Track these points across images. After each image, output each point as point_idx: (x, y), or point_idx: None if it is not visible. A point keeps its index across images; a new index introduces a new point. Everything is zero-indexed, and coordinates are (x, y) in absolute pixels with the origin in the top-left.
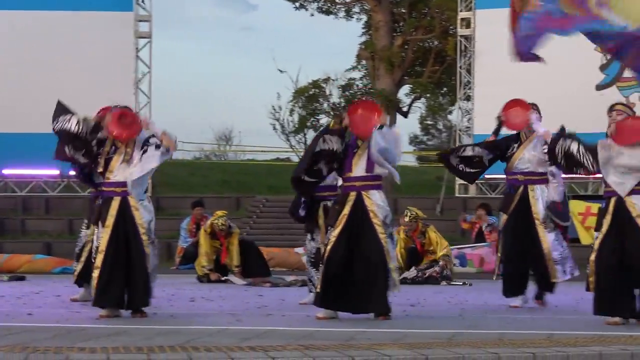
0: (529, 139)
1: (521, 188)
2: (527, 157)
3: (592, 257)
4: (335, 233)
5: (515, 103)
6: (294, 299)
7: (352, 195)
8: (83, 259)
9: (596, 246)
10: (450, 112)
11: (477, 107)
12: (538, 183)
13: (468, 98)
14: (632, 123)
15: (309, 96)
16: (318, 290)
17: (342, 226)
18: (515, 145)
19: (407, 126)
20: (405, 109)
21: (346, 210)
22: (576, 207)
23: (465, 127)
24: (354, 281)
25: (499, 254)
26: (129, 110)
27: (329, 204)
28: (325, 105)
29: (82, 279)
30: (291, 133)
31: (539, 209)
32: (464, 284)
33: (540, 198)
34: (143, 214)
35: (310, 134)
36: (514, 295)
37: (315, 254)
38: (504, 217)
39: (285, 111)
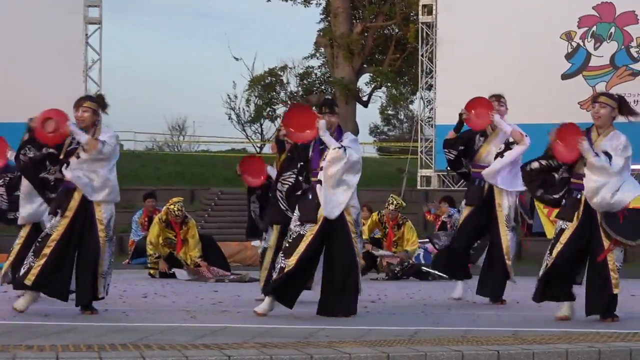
0: (495, 132)
1: (487, 183)
2: (495, 150)
3: (558, 248)
4: (313, 230)
5: (478, 102)
6: (250, 294)
7: None
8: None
9: (563, 239)
10: (412, 102)
11: (439, 96)
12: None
13: (430, 87)
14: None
15: (266, 85)
16: (277, 280)
17: (320, 225)
18: (482, 138)
19: (368, 116)
20: (365, 99)
21: (321, 209)
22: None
23: (427, 117)
24: (307, 279)
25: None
26: (55, 113)
27: None
28: (282, 94)
29: None
30: (247, 123)
31: (504, 205)
32: (435, 277)
33: (506, 195)
34: (104, 209)
35: (267, 124)
36: (456, 278)
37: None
38: (466, 209)
39: (241, 100)
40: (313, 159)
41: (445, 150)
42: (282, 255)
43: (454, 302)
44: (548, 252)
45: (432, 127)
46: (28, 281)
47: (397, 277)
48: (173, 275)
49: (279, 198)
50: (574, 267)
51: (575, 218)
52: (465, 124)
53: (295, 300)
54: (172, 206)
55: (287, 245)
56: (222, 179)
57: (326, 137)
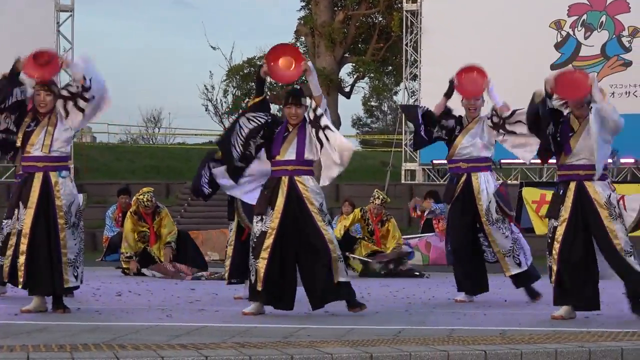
0: (474, 121)
1: (464, 177)
2: (471, 142)
3: (556, 248)
4: (274, 225)
5: (471, 69)
6: (228, 292)
7: (284, 180)
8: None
9: (558, 236)
10: (396, 93)
11: (424, 87)
12: (482, 170)
13: (414, 78)
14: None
15: (244, 75)
16: (258, 287)
17: (281, 217)
18: (458, 127)
19: (350, 108)
20: (347, 90)
21: (280, 198)
22: (530, 194)
23: None
24: (292, 277)
25: (449, 247)
26: (47, 50)
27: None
28: None
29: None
30: (225, 114)
31: (483, 200)
32: (422, 275)
33: (485, 188)
34: (62, 193)
35: None
36: (472, 293)
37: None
38: (448, 208)
39: (218, 91)
40: (275, 143)
41: (420, 123)
42: (252, 257)
43: (442, 301)
44: (547, 253)
45: None
46: (19, 285)
47: (393, 274)
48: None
49: (234, 142)
50: (584, 263)
51: (564, 211)
52: (456, 90)
53: (292, 300)
54: (141, 196)
55: (253, 245)
56: None
57: (314, 82)
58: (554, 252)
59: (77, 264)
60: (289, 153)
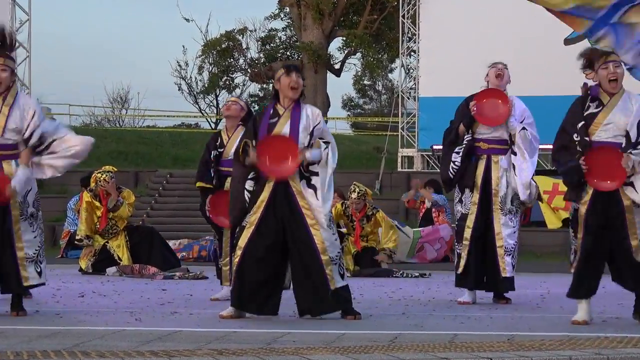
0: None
1: (484, 159)
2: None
3: (580, 233)
4: (251, 220)
5: (492, 93)
6: (204, 293)
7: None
8: None
9: (581, 219)
10: (391, 71)
11: (423, 64)
12: (503, 153)
13: (412, 53)
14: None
15: (222, 50)
16: (234, 285)
17: (261, 214)
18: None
19: (340, 87)
20: (337, 67)
21: (265, 194)
22: (541, 184)
23: (409, 88)
24: (276, 278)
25: (456, 247)
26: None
27: None
28: (241, 61)
29: None
30: (200, 94)
31: (501, 186)
32: (422, 275)
33: (504, 174)
34: (15, 181)
35: (224, 95)
36: (475, 289)
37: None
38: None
39: (193, 68)
40: (260, 131)
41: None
42: (233, 253)
43: (443, 303)
44: (572, 236)
45: (414, 99)
46: None
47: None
48: (103, 270)
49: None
50: (604, 252)
51: (586, 194)
52: (476, 119)
53: (275, 304)
54: (100, 174)
55: (235, 241)
56: (171, 159)
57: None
58: (578, 237)
59: (40, 259)
60: None
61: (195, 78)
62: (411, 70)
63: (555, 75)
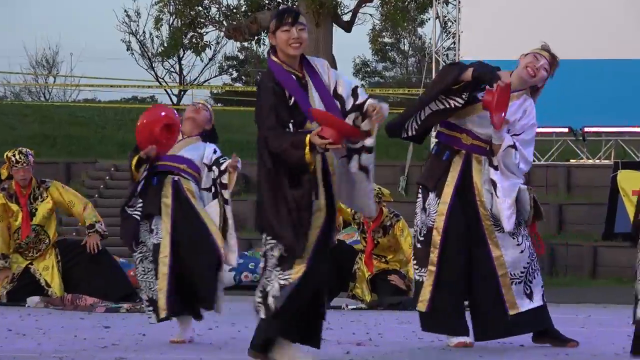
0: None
1: (461, 156)
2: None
3: None
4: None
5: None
6: (161, 333)
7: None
8: None
9: None
10: (422, 24)
11: (465, 14)
12: (488, 155)
13: (450, 0)
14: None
15: None
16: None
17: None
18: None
19: (351, 46)
20: (346, 18)
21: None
22: (629, 181)
23: (447, 48)
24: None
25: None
26: None
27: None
28: (213, 10)
29: None
30: (157, 56)
31: (485, 194)
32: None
33: (488, 180)
34: None
35: (190, 59)
36: (453, 334)
37: (153, 252)
38: (431, 199)
39: (147, 21)
40: (300, 103)
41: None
42: (278, 268)
43: (493, 349)
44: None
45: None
46: None
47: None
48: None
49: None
50: None
51: None
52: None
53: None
54: (11, 155)
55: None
56: (116, 146)
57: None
58: None
59: None
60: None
61: (151, 34)
62: (449, 24)
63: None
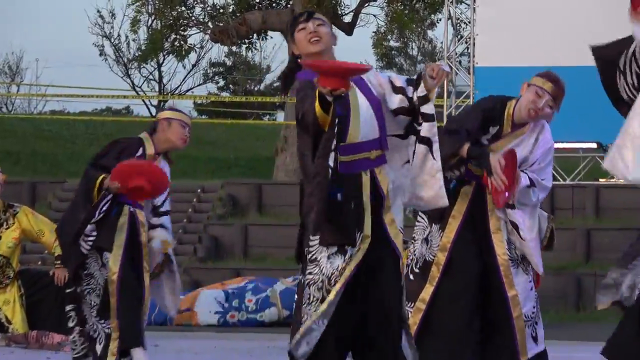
0: (519, 132)
1: (472, 186)
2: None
3: None
4: (357, 259)
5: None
6: None
7: (365, 179)
8: None
9: None
10: (433, 25)
11: (481, 16)
12: None
13: (464, 1)
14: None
15: None
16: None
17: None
18: (495, 128)
19: (353, 50)
20: (347, 19)
21: (367, 218)
22: None
23: (460, 53)
24: None
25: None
26: None
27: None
28: (197, 10)
29: None
30: (133, 62)
31: (501, 226)
32: None
33: (502, 213)
34: None
35: (171, 64)
36: None
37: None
38: (435, 233)
39: (122, 22)
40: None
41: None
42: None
43: None
44: None
45: (468, 71)
46: None
47: None
48: None
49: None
50: None
51: None
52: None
53: None
54: None
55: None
56: (86, 164)
57: None
58: None
59: None
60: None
61: (127, 37)
62: (462, 26)
63: None
